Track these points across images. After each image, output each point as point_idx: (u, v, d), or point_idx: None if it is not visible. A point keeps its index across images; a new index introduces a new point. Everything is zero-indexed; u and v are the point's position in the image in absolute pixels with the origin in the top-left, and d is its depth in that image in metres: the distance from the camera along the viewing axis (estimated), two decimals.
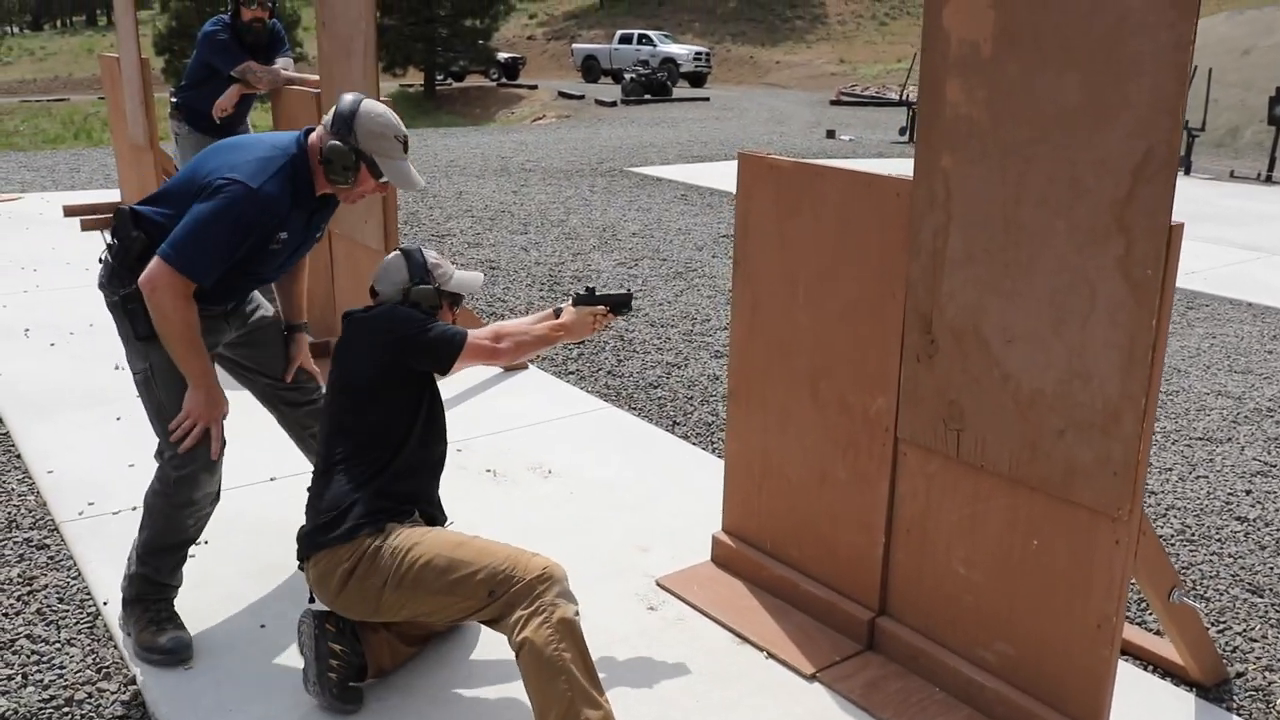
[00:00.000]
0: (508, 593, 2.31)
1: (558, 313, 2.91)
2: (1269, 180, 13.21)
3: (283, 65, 5.56)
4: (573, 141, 16.06)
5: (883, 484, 2.75)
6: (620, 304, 2.92)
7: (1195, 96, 14.67)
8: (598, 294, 2.91)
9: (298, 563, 2.57)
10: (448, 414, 2.81)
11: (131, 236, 2.61)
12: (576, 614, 2.31)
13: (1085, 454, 2.29)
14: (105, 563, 3.17)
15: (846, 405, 2.82)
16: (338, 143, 2.64)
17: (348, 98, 2.73)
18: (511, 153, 14.30)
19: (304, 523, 2.58)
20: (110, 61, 7.98)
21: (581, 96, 28.31)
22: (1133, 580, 2.87)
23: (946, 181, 2.46)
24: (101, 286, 2.72)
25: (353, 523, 2.46)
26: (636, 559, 3.31)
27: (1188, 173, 13.87)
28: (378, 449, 2.57)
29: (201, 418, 2.63)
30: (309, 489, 2.64)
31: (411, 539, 2.44)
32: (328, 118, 2.70)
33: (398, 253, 2.80)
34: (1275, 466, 4.29)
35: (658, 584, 3.16)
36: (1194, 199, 11.65)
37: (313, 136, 2.70)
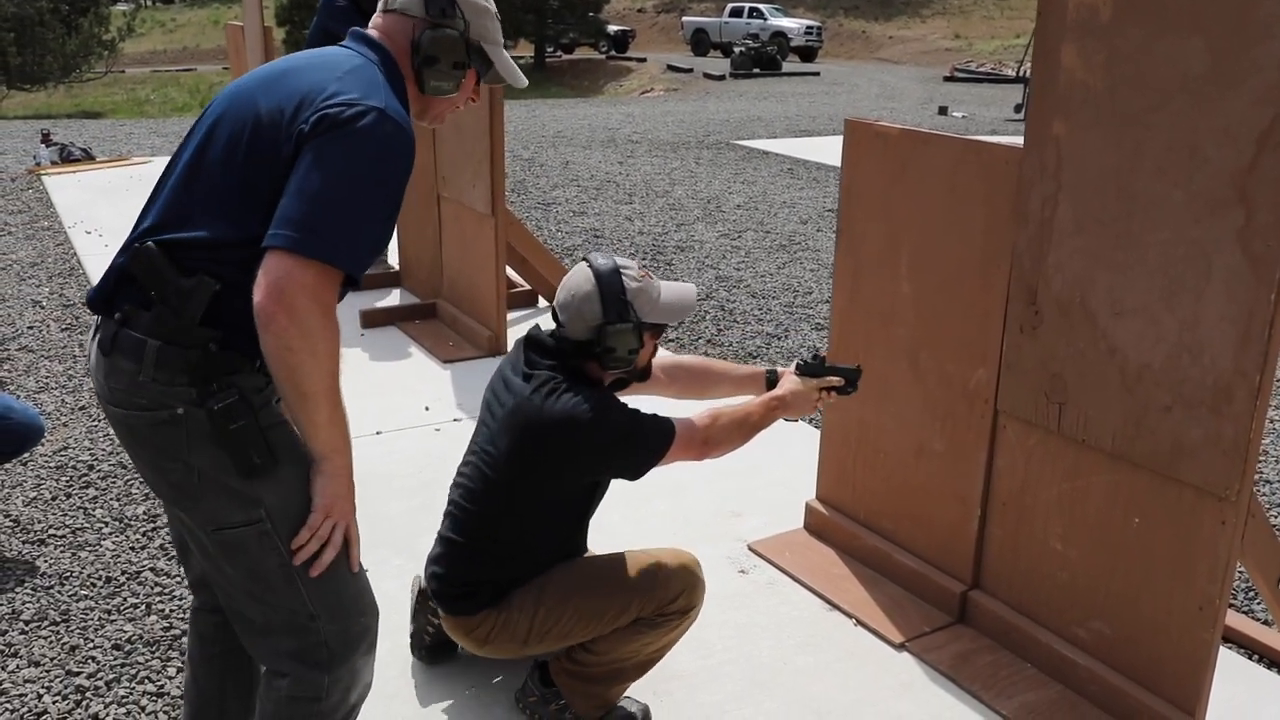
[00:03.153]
0: (652, 620, 2.27)
1: (771, 379, 2.55)
2: None
3: None
4: (679, 114, 16.04)
5: (980, 457, 2.72)
6: (851, 380, 2.50)
7: None
8: (827, 365, 2.49)
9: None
10: None
11: (184, 288, 1.59)
12: (697, 614, 2.34)
13: (1193, 431, 2.23)
14: None
15: (946, 376, 2.79)
16: (448, 30, 1.81)
17: None
18: (618, 124, 14.36)
19: (429, 573, 2.37)
20: (235, 30, 8.27)
21: (690, 70, 28.19)
22: (1241, 567, 2.79)
23: (1059, 149, 2.40)
24: (128, 389, 1.62)
25: (484, 601, 2.28)
26: (730, 524, 3.34)
27: None
28: (525, 551, 2.29)
29: (344, 515, 1.70)
30: (440, 538, 2.36)
31: (542, 596, 2.27)
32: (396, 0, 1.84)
33: (588, 274, 2.23)
34: None
35: (750, 548, 3.18)
36: None
37: (380, 33, 1.83)
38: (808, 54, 32.28)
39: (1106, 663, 2.49)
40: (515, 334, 4.84)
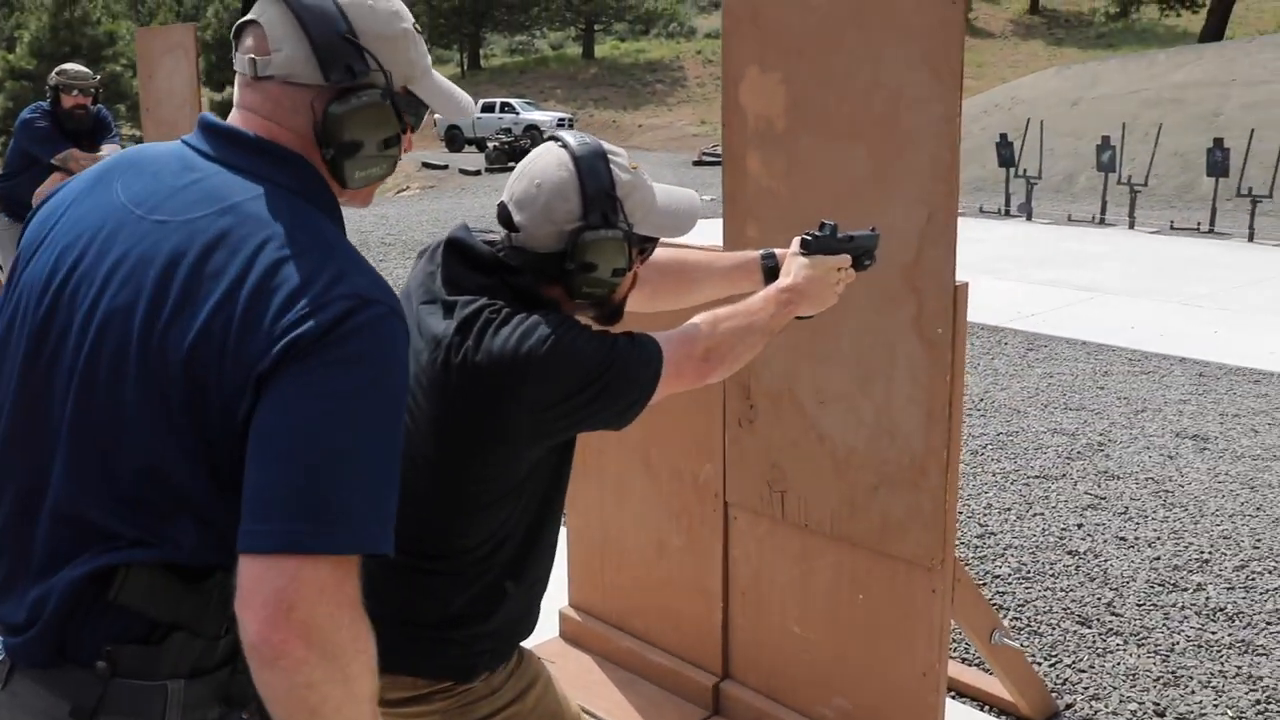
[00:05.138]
0: None
1: (770, 266, 1.90)
2: (1102, 223, 14.00)
3: (109, 152, 5.41)
4: (435, 212, 16.04)
5: (717, 549, 2.78)
6: (871, 250, 1.91)
7: (1031, 146, 15.53)
8: (839, 235, 1.84)
9: None
10: None
11: (204, 602, 1.16)
12: None
13: (898, 508, 2.36)
14: None
15: (677, 472, 2.85)
16: (363, 96, 1.22)
17: None
18: (371, 227, 14.17)
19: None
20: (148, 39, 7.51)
21: (445, 166, 28.31)
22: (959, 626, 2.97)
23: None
24: None
25: (449, 658, 1.63)
26: None
27: (1030, 218, 14.59)
28: (484, 556, 1.62)
29: None
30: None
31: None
32: (270, 46, 1.21)
33: (562, 157, 1.58)
34: (1104, 499, 4.50)
35: None
36: (1035, 243, 12.27)
37: (263, 122, 1.22)
38: None
39: None
40: None
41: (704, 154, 29.93)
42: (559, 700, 1.81)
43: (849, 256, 1.85)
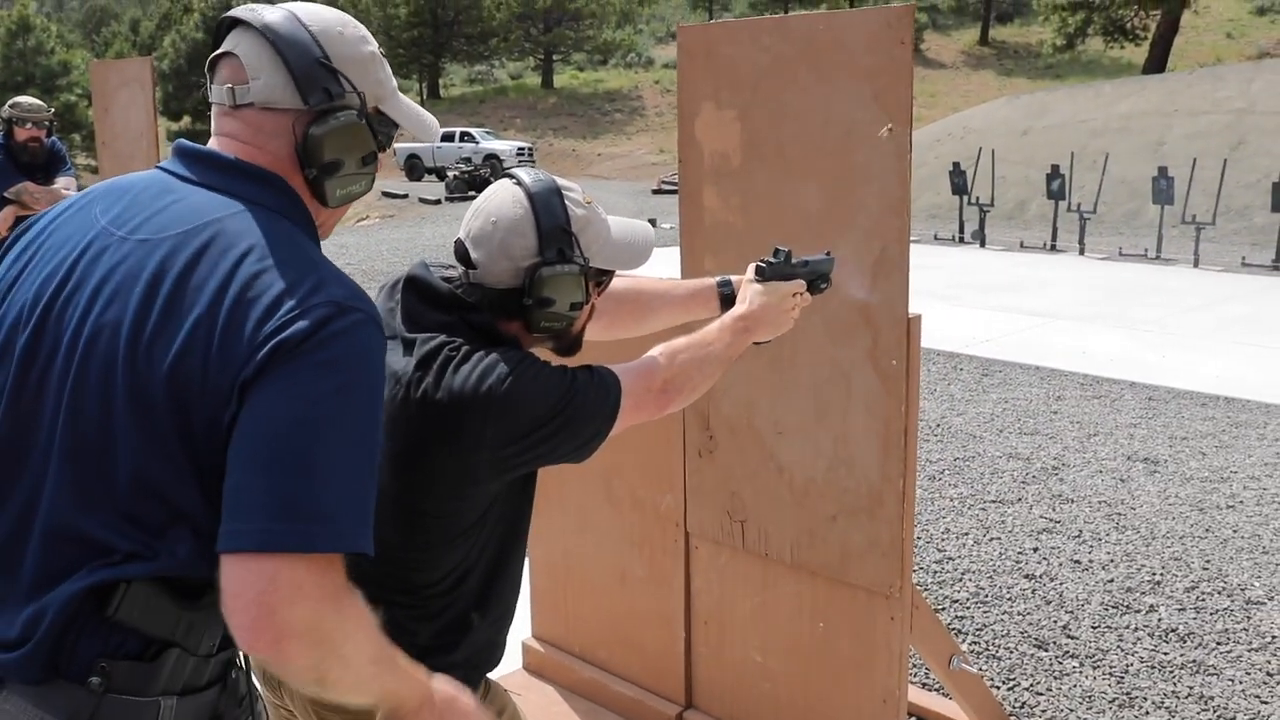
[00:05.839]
0: None
1: (726, 293, 1.95)
2: (1053, 249, 14.27)
3: (64, 185, 5.36)
4: (395, 242, 16.00)
5: (678, 578, 2.80)
6: (826, 274, 1.96)
7: (983, 174, 15.80)
8: (795, 261, 1.89)
9: None
10: None
11: (199, 619, 1.19)
12: None
13: (856, 537, 2.40)
14: None
15: (639, 502, 2.87)
16: (340, 116, 1.28)
17: (271, 16, 1.29)
18: (332, 256, 13.99)
19: None
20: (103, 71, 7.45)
21: (405, 195, 28.24)
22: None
23: None
24: None
25: None
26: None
27: (983, 245, 14.83)
28: (447, 590, 1.64)
29: None
30: None
31: None
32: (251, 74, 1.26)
33: (518, 195, 1.60)
34: (1059, 522, 4.58)
35: None
36: (988, 269, 12.46)
37: (243, 146, 1.27)
38: None
39: None
40: None
41: (663, 182, 30.14)
42: None
43: (804, 282, 1.90)
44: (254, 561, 1.06)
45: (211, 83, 1.29)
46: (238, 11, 1.29)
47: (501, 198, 1.62)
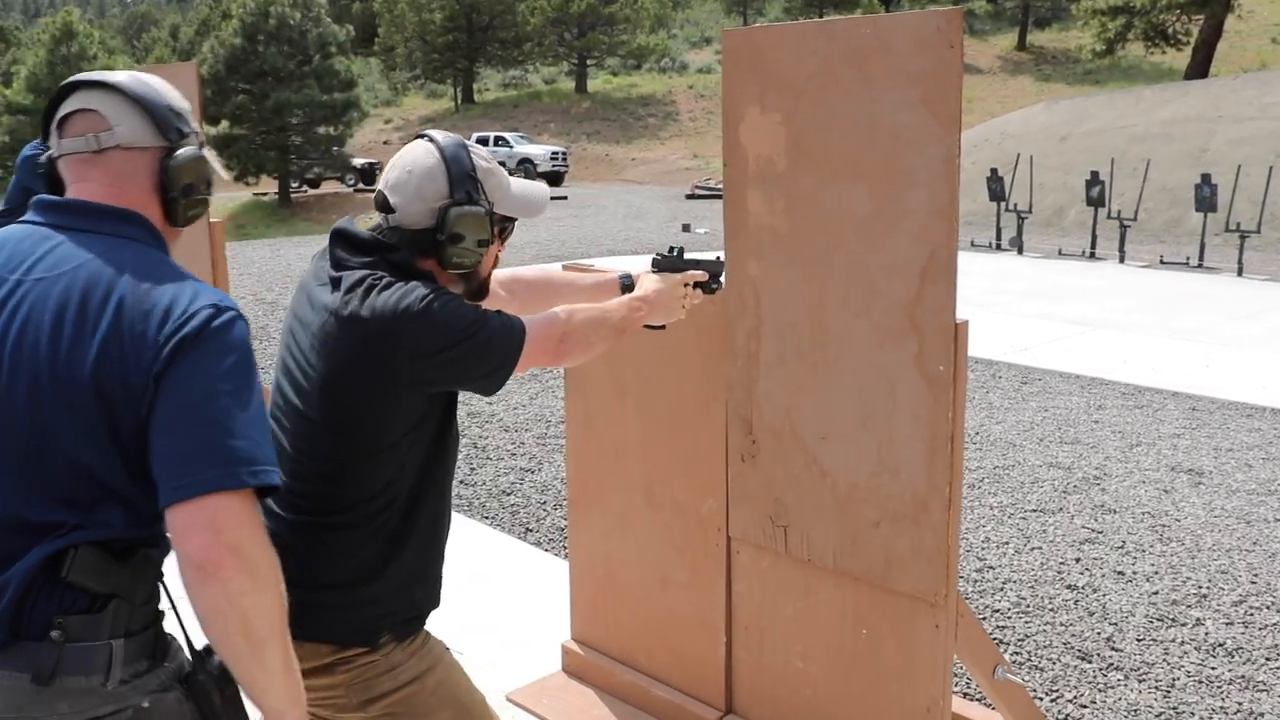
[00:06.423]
0: None
1: (627, 285, 2.26)
2: (1092, 257, 14.12)
3: None
4: None
5: (720, 583, 2.79)
6: (715, 274, 2.27)
7: (1021, 181, 15.67)
8: (685, 259, 2.23)
9: None
10: None
11: (135, 575, 1.44)
12: None
13: (900, 543, 2.37)
14: None
15: (680, 507, 2.87)
16: (187, 147, 1.55)
17: (119, 77, 1.55)
18: None
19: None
20: None
21: None
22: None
23: (755, 287, 2.56)
24: (86, 706, 1.39)
25: (363, 625, 1.80)
26: (484, 676, 3.24)
27: (1020, 252, 14.71)
28: (382, 508, 1.80)
29: None
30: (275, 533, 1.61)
31: (439, 691, 1.86)
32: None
33: (429, 148, 1.84)
34: (1101, 533, 4.52)
35: (508, 699, 3.11)
36: (1026, 277, 12.35)
37: (110, 191, 1.50)
38: (555, 179, 33.27)
39: None
40: None
41: (697, 187, 30.12)
42: (463, 688, 1.91)
43: (695, 273, 2.20)
44: (198, 503, 1.34)
45: (60, 137, 1.52)
46: (83, 76, 1.55)
47: (416, 151, 1.85)
